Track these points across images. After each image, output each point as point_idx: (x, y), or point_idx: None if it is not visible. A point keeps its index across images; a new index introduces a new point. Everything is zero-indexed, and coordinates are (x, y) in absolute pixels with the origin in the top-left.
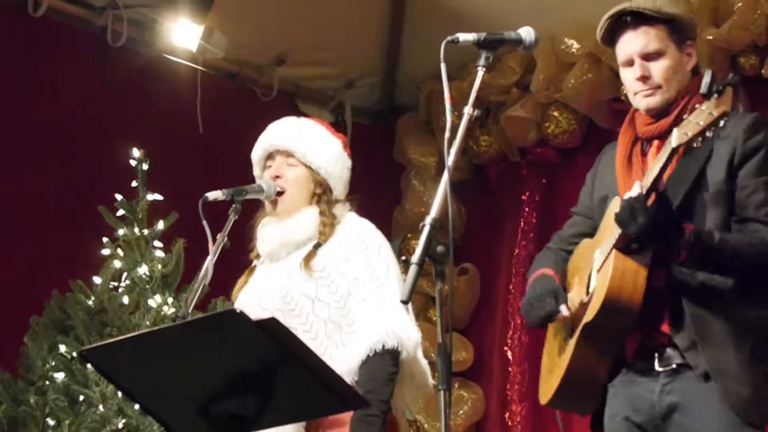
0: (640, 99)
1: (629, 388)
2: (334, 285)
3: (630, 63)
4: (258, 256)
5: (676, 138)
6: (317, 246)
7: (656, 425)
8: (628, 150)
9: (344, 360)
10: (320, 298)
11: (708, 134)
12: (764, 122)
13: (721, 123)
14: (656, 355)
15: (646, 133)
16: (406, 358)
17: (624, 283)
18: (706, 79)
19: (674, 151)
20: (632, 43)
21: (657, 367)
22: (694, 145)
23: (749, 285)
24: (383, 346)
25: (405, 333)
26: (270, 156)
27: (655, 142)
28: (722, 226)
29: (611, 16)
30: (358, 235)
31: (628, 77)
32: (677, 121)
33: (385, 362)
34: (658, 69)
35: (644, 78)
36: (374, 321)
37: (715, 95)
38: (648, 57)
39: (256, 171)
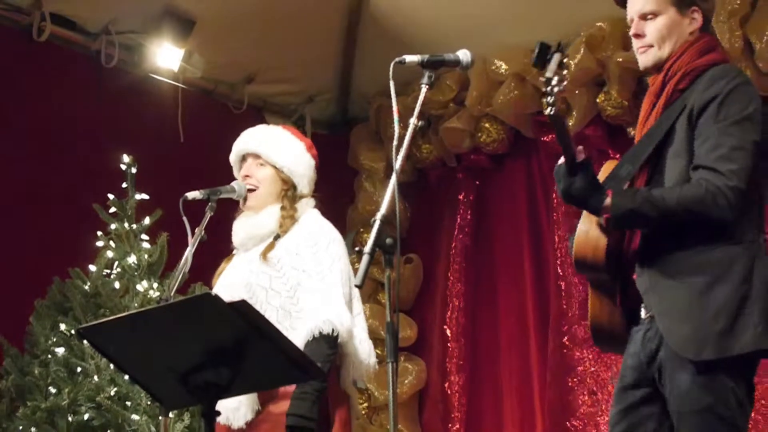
0: (639, 56)
1: (633, 337)
2: (285, 277)
3: (631, 22)
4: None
5: (544, 108)
6: (276, 237)
7: (643, 370)
8: (647, 112)
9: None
10: (273, 287)
11: (550, 99)
12: (724, 72)
13: (548, 88)
14: (642, 305)
15: (651, 93)
16: (343, 341)
17: (588, 242)
18: (535, 51)
19: (549, 117)
20: (633, 3)
21: (642, 316)
22: (551, 111)
23: (702, 226)
24: (320, 333)
25: (339, 320)
26: (243, 159)
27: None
28: (684, 174)
29: None
30: (310, 232)
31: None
32: (666, 79)
33: (322, 346)
34: (651, 28)
35: (636, 36)
36: (314, 311)
37: (548, 63)
38: (644, 17)
39: (235, 173)
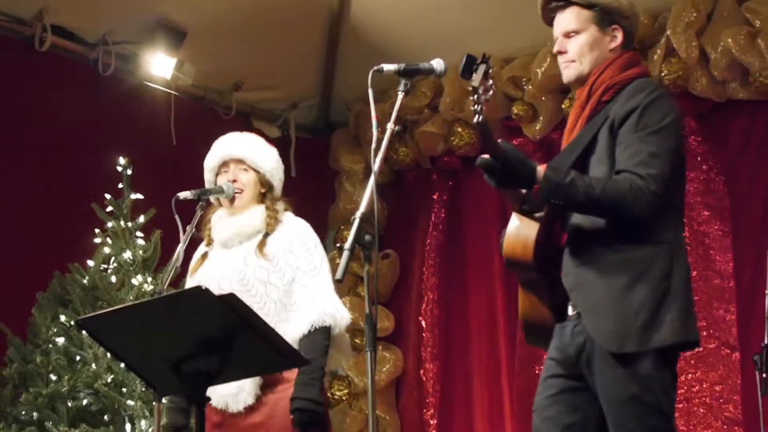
0: (562, 71)
1: (558, 332)
2: (281, 272)
3: (556, 40)
4: (209, 244)
5: (474, 117)
6: (266, 235)
7: (571, 363)
8: (573, 123)
9: (288, 333)
10: (271, 282)
11: (477, 107)
12: (644, 86)
13: (474, 96)
14: (569, 302)
15: (576, 105)
16: (341, 332)
17: (517, 241)
18: (462, 62)
19: (477, 125)
20: (558, 23)
21: (570, 313)
22: (479, 119)
23: (627, 231)
24: (321, 325)
25: (339, 314)
26: (224, 164)
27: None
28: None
29: (541, 1)
30: (298, 233)
31: None
32: (591, 92)
33: (322, 337)
34: (573, 45)
35: (560, 52)
36: (314, 303)
37: (474, 74)
38: (568, 35)
39: (209, 176)
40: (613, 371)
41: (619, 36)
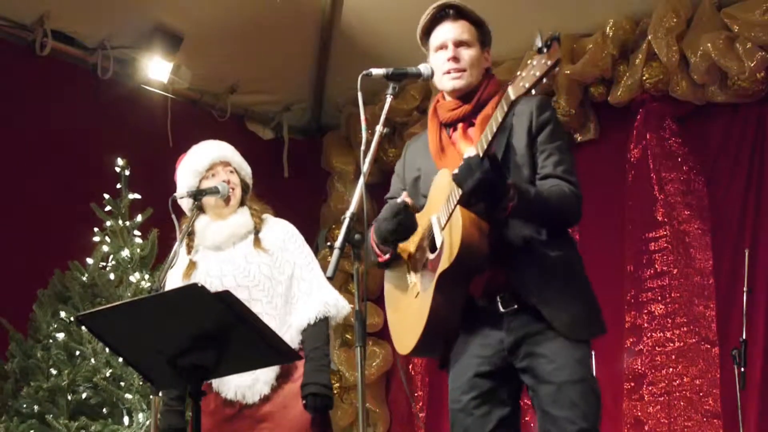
0: (448, 80)
1: (478, 329)
2: (281, 267)
3: (444, 47)
4: (189, 252)
5: (513, 91)
6: (257, 232)
7: (504, 357)
8: (437, 136)
9: (293, 324)
10: (275, 277)
11: (545, 80)
12: (549, 103)
13: (557, 69)
14: (498, 299)
15: (450, 118)
16: (338, 322)
17: (474, 231)
18: (538, 37)
19: (513, 103)
20: (450, 30)
21: (501, 309)
22: (532, 92)
23: (554, 235)
24: (324, 315)
25: (339, 304)
26: (210, 167)
27: (460, 125)
28: (528, 183)
29: (437, 6)
30: (287, 231)
31: (440, 59)
32: (477, 107)
33: (325, 326)
34: (466, 55)
35: (455, 59)
36: (315, 295)
37: (545, 49)
38: (460, 44)
39: (193, 180)
40: (567, 356)
41: (488, 60)
